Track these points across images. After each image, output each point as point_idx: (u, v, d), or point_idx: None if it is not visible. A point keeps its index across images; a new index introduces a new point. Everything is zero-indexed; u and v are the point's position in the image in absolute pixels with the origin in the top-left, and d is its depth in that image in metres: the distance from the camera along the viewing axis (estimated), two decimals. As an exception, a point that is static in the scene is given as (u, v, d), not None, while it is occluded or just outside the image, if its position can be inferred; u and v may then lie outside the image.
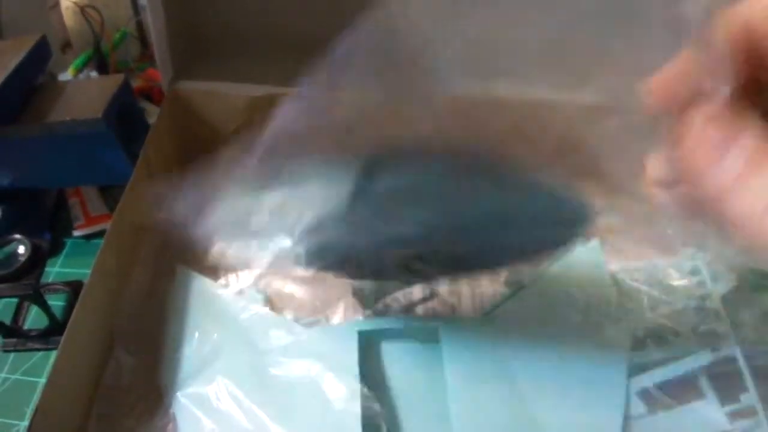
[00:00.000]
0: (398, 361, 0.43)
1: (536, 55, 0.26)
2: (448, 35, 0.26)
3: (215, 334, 0.44)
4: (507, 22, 0.24)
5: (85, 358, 0.42)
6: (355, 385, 0.39)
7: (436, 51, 0.26)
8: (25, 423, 0.44)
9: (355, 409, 0.39)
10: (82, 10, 0.64)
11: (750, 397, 0.40)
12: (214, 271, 0.49)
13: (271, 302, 0.47)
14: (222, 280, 0.49)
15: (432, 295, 0.46)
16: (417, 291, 0.46)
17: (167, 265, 0.49)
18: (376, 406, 0.40)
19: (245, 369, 0.42)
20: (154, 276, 0.49)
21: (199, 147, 0.59)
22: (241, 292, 0.47)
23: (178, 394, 0.42)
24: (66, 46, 0.70)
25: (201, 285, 0.47)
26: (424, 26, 0.26)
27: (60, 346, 0.37)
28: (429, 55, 0.26)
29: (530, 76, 0.28)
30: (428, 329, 0.43)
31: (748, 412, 0.40)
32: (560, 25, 0.24)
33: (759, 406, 0.40)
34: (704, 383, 0.41)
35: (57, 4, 0.67)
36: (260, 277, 0.48)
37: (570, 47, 0.25)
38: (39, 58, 0.55)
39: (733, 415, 0.40)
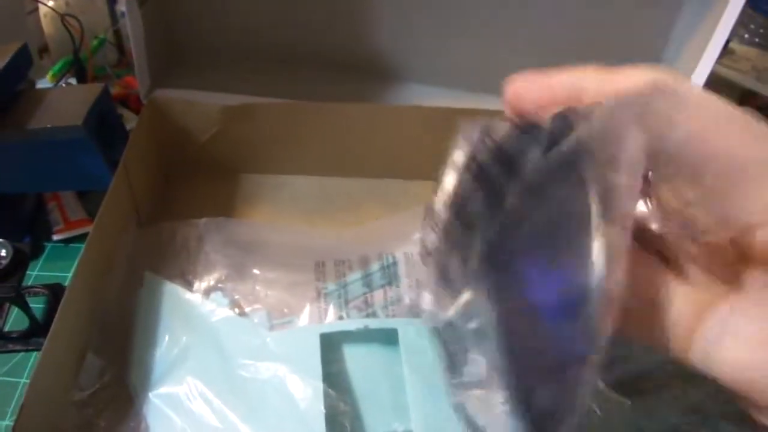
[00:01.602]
0: (360, 361, 0.44)
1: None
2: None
3: (184, 337, 0.45)
4: None
5: (67, 360, 0.43)
6: (319, 386, 0.41)
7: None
8: (7, 422, 0.45)
9: (320, 408, 0.40)
10: (61, 18, 0.65)
11: (700, 393, 0.42)
12: (181, 277, 0.50)
13: (237, 306, 0.47)
14: (188, 286, 0.49)
15: (392, 301, 0.47)
16: (379, 295, 0.48)
17: (137, 272, 0.50)
18: (341, 405, 0.41)
19: (214, 370, 0.43)
20: (125, 282, 0.49)
21: (177, 154, 0.61)
22: (207, 296, 0.48)
23: (150, 394, 0.43)
24: (43, 51, 0.70)
25: (169, 290, 0.48)
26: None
27: (43, 347, 0.38)
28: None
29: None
30: (387, 331, 0.44)
31: (699, 407, 0.42)
32: None
33: (708, 402, 0.41)
34: (656, 380, 0.42)
35: (35, 10, 0.67)
36: (226, 280, 0.49)
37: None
38: (20, 66, 0.55)
39: (686, 410, 0.42)
